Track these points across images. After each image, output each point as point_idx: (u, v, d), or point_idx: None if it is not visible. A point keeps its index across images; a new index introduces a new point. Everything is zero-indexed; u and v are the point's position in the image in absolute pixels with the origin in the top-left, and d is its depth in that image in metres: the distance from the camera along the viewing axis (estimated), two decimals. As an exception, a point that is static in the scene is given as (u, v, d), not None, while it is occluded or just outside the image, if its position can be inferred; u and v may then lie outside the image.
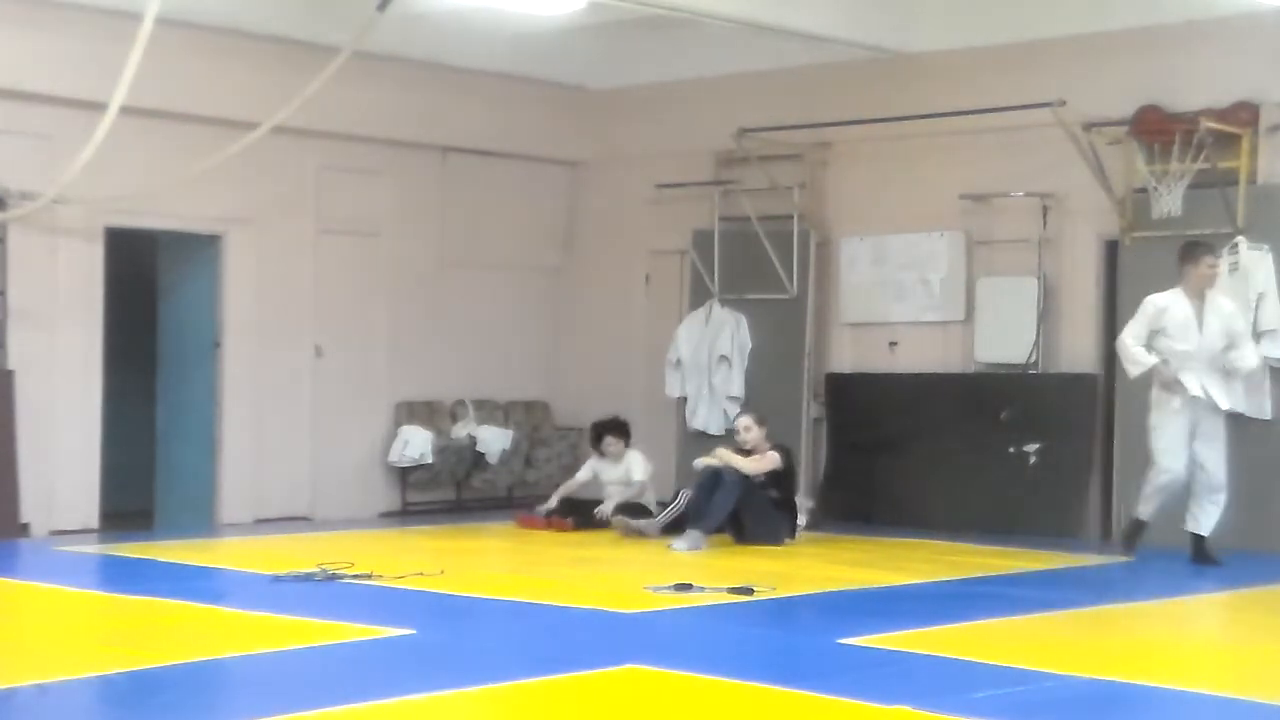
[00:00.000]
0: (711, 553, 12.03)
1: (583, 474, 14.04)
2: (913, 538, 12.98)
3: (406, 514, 15.18)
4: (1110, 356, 13.54)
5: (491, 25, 13.67)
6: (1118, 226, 13.34)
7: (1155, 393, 11.79)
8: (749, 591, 9.76)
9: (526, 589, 10.09)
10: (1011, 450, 13.77)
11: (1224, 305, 11.82)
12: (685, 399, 15.38)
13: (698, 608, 9.38)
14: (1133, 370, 11.85)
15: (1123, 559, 12.07)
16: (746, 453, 12.70)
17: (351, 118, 14.51)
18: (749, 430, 12.79)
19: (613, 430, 13.92)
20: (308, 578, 10.16)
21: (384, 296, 15.24)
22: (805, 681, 7.16)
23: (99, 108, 11.58)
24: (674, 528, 12.74)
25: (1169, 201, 12.85)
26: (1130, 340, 11.78)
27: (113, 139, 11.67)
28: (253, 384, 14.30)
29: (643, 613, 9.24)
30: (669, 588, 9.86)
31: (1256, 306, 12.43)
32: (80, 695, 7.01)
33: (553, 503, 13.81)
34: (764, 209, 14.91)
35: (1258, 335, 12.41)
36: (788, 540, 12.48)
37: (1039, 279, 13.76)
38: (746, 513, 12.45)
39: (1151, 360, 11.63)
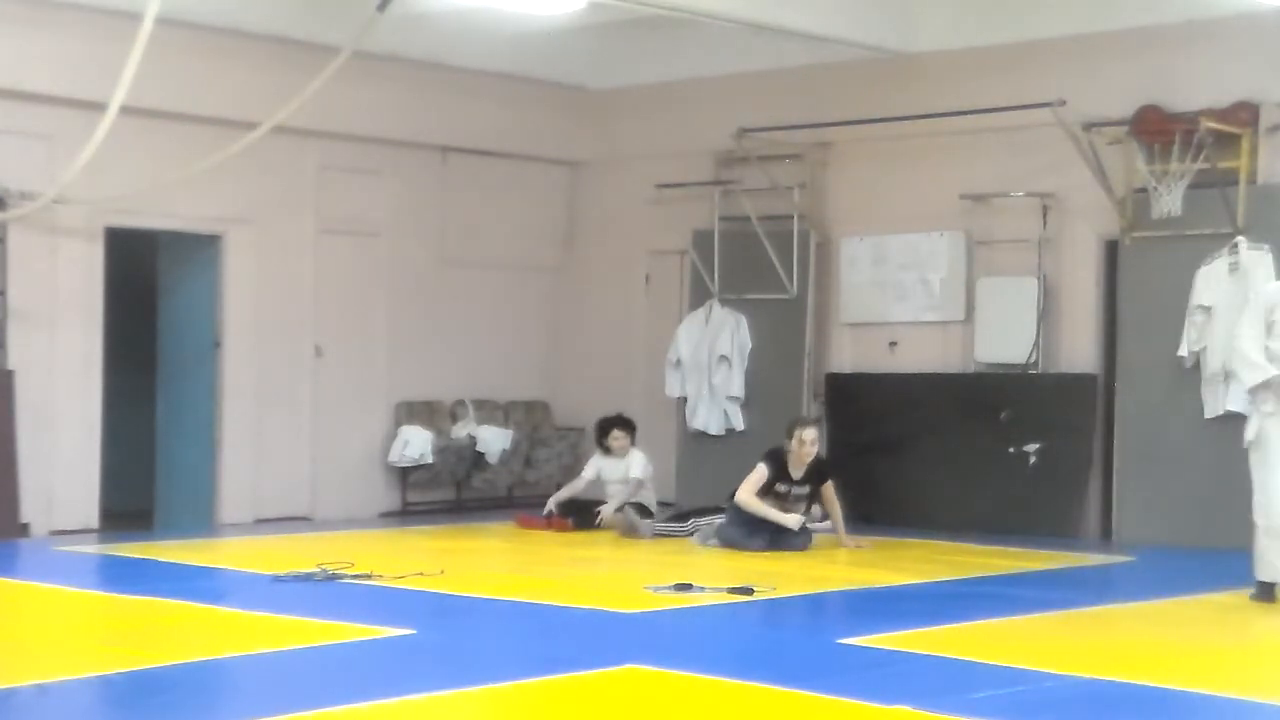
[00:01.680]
0: (712, 552, 12.02)
1: (588, 473, 14.02)
2: (913, 538, 12.98)
3: (406, 514, 15.18)
4: (1110, 356, 13.56)
5: (491, 25, 13.68)
6: (1118, 226, 13.34)
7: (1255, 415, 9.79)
8: (749, 591, 9.76)
9: (526, 589, 10.09)
10: (1011, 450, 13.76)
11: None
12: (685, 399, 15.37)
13: (698, 608, 9.38)
14: (1248, 378, 9.68)
15: (1123, 559, 12.08)
16: (781, 470, 12.09)
17: (351, 118, 14.50)
18: (815, 444, 12.19)
19: (619, 425, 13.94)
20: (308, 578, 10.16)
21: (384, 296, 15.23)
22: (805, 681, 7.16)
23: (99, 108, 11.58)
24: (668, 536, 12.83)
25: (1169, 201, 12.85)
26: (1248, 342, 9.63)
27: (113, 139, 11.66)
28: (253, 384, 14.29)
29: (643, 613, 9.24)
30: (669, 588, 9.86)
31: (1257, 307, 12.41)
32: (80, 695, 7.01)
33: (552, 505, 13.80)
34: (764, 209, 14.91)
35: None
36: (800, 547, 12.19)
37: (1039, 279, 13.76)
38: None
39: (1273, 370, 9.48)
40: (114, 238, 13.52)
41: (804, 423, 12.36)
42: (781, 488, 12.14)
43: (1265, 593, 9.61)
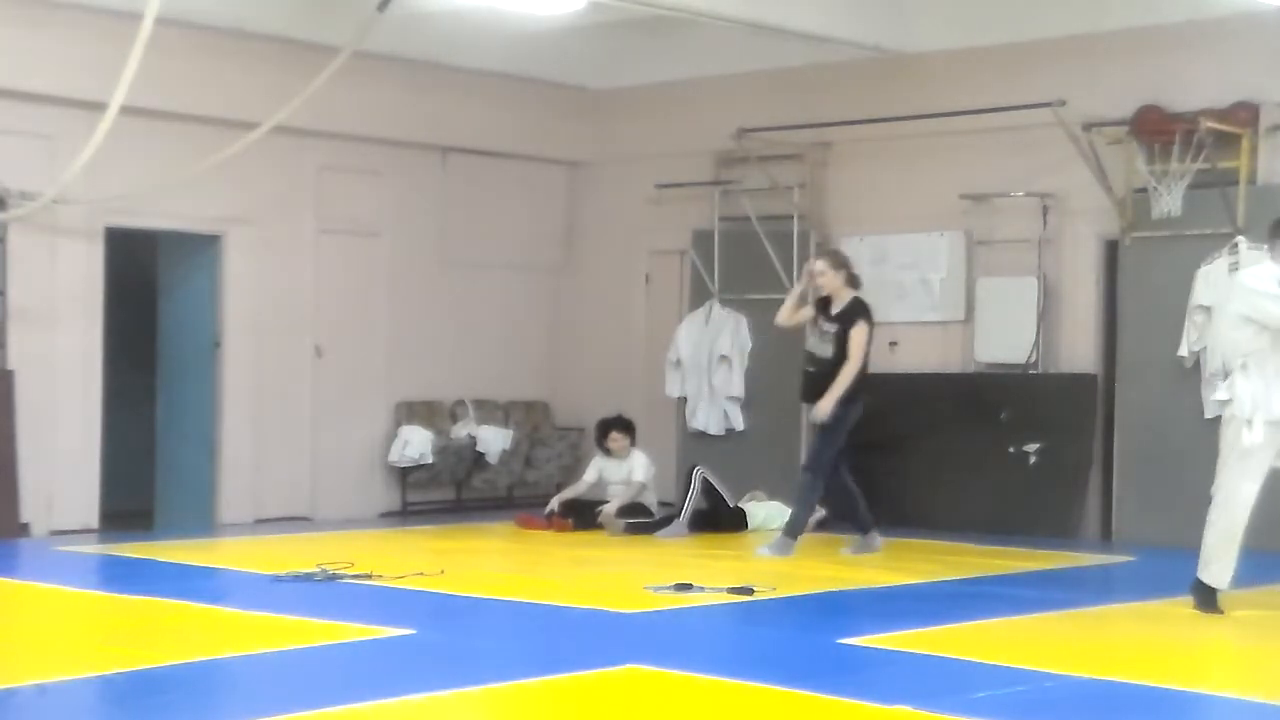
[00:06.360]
0: (711, 553, 12.03)
1: (589, 474, 14.01)
2: (913, 538, 12.97)
3: (406, 514, 15.18)
4: (1110, 356, 13.56)
5: (491, 25, 13.66)
6: (1118, 226, 13.35)
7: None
8: (749, 591, 9.76)
9: (526, 589, 10.09)
10: (1011, 450, 13.77)
11: None
12: (685, 399, 15.38)
13: (698, 608, 9.38)
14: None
15: (1123, 559, 12.07)
16: (826, 304, 12.00)
17: (351, 118, 14.51)
18: (824, 275, 11.99)
19: (618, 426, 13.94)
20: (308, 578, 10.16)
21: (384, 296, 15.24)
22: (805, 681, 7.16)
23: (99, 108, 11.58)
24: (647, 529, 13.02)
25: (1169, 201, 12.86)
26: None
27: (113, 139, 11.66)
28: (253, 384, 14.30)
29: (643, 613, 9.24)
30: (669, 588, 9.86)
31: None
32: (80, 695, 7.01)
33: (554, 505, 13.80)
34: (764, 209, 14.92)
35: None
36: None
37: (1039, 279, 13.76)
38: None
39: None
40: (114, 238, 13.52)
41: (816, 257, 12.49)
42: (820, 320, 12.09)
43: None
